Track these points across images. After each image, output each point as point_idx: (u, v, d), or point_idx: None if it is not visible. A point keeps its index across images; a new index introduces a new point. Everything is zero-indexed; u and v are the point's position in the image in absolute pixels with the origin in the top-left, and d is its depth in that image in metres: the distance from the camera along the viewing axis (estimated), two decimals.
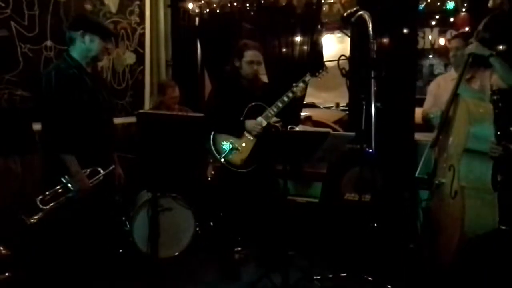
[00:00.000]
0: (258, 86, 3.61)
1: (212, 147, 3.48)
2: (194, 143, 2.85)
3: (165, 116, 3.05)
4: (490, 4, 2.94)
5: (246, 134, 3.49)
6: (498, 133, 2.69)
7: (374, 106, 2.61)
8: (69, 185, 2.69)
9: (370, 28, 2.57)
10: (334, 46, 5.85)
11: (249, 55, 3.47)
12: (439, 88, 3.50)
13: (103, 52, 2.98)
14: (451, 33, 4.59)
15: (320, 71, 3.52)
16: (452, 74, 3.47)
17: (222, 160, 3.44)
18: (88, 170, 2.80)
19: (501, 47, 3.78)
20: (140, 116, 2.75)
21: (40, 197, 2.62)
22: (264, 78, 3.87)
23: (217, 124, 3.49)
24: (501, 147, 2.71)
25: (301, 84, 3.49)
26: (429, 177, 3.16)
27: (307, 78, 3.53)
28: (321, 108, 7.60)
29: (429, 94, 3.57)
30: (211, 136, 3.49)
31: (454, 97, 3.07)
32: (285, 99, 3.46)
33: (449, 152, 3.07)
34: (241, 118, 3.49)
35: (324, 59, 4.50)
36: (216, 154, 3.47)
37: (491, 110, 2.84)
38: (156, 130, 2.68)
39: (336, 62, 2.97)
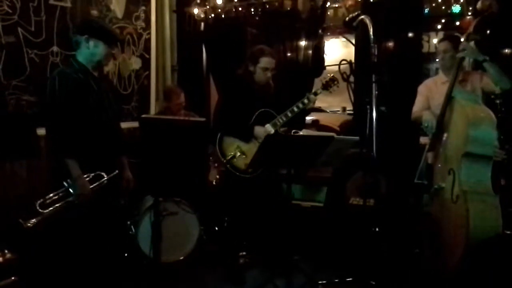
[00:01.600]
0: (269, 92, 3.63)
1: (218, 149, 3.50)
2: (197, 148, 2.86)
3: (168, 121, 3.06)
4: (478, 6, 2.94)
5: (253, 140, 3.50)
6: (501, 137, 2.69)
7: (377, 110, 2.61)
8: (70, 189, 2.71)
9: (371, 32, 2.58)
10: (339, 50, 5.86)
11: (264, 61, 3.49)
12: (430, 91, 3.48)
13: (108, 57, 2.99)
14: None
15: (332, 85, 3.53)
16: (441, 77, 3.45)
17: (227, 163, 3.45)
18: (92, 174, 2.81)
19: (506, 50, 3.78)
20: (143, 121, 2.76)
21: (39, 201, 2.64)
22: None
23: (226, 126, 3.51)
24: (504, 151, 2.70)
25: (312, 96, 3.50)
26: (428, 182, 3.15)
27: (319, 90, 3.55)
28: (328, 112, 7.58)
29: (420, 95, 3.54)
30: (218, 138, 3.51)
31: (449, 100, 3.06)
32: (295, 109, 3.48)
33: (447, 156, 3.06)
34: (250, 123, 3.51)
35: (329, 64, 4.51)
36: (221, 157, 3.48)
37: (487, 113, 2.83)
38: (160, 135, 2.68)
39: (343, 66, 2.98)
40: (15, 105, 3.54)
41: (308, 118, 4.97)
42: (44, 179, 3.23)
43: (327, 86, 3.54)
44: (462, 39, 3.11)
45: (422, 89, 3.56)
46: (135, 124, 4.46)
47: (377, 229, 2.77)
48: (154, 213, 2.95)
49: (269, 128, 3.48)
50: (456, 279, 2.84)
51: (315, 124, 5.31)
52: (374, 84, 2.56)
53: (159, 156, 2.72)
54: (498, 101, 2.74)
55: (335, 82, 3.53)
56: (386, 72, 3.04)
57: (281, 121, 3.49)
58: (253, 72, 3.53)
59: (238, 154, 3.47)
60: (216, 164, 4.19)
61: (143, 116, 3.05)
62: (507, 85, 2.94)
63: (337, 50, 5.88)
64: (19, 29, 3.56)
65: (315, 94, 3.53)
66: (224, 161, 3.46)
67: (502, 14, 3.08)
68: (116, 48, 4.14)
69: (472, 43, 3.03)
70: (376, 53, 2.59)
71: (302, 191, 4.25)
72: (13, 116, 3.41)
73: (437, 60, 3.59)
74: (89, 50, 2.86)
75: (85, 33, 2.86)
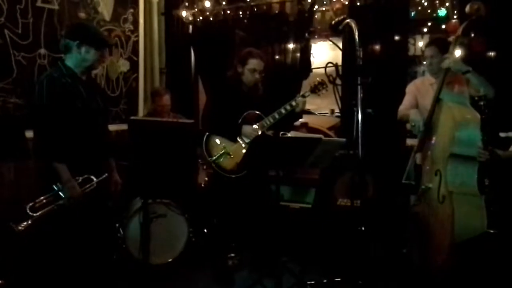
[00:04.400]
0: (257, 94, 3.65)
1: (204, 149, 3.51)
2: (186, 149, 2.87)
3: (157, 122, 3.07)
4: (467, 9, 2.99)
5: (240, 140, 3.52)
6: (485, 138, 2.74)
7: (363, 112, 2.64)
8: (60, 192, 2.71)
9: (357, 36, 2.61)
10: (327, 53, 5.88)
11: (253, 63, 3.52)
12: (418, 90, 3.51)
13: (98, 62, 2.97)
14: None
15: (320, 88, 3.58)
16: (429, 78, 3.48)
17: (213, 163, 3.47)
18: (81, 178, 2.81)
19: (491, 53, 3.85)
20: (132, 123, 2.77)
21: (30, 204, 2.63)
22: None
23: (214, 125, 3.53)
24: (488, 152, 2.75)
25: (300, 98, 3.54)
26: (416, 182, 3.19)
27: (307, 93, 3.60)
28: (316, 114, 7.63)
29: (408, 94, 3.55)
30: (204, 138, 3.52)
31: (437, 102, 3.10)
32: (283, 111, 3.52)
33: (434, 157, 3.09)
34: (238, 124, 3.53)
35: (316, 66, 4.54)
36: (207, 157, 3.50)
37: (474, 114, 2.88)
38: (148, 136, 2.69)
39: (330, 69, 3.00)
40: (2, 107, 3.52)
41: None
42: (32, 181, 3.22)
43: (315, 89, 3.59)
44: (450, 39, 3.15)
45: (411, 88, 3.59)
46: (123, 126, 4.45)
47: (362, 228, 2.80)
48: (143, 215, 2.95)
49: (257, 128, 3.50)
50: (442, 278, 2.88)
51: (303, 126, 5.35)
52: (359, 87, 2.60)
53: (148, 158, 2.73)
54: (481, 103, 2.79)
55: (324, 86, 3.57)
56: (373, 75, 3.07)
57: (268, 122, 3.53)
58: (241, 74, 3.57)
59: (225, 154, 3.49)
60: (204, 166, 4.20)
61: (132, 118, 3.05)
62: (491, 94, 3.01)
63: (325, 53, 5.89)
64: (6, 31, 3.54)
65: (303, 96, 3.58)
66: (211, 160, 3.48)
67: (490, 18, 3.13)
68: (105, 51, 4.13)
69: (455, 55, 3.07)
70: (361, 56, 2.62)
71: (291, 193, 4.28)
72: (1, 118, 3.39)
73: (424, 63, 3.62)
74: (81, 56, 2.84)
75: (77, 38, 2.83)
